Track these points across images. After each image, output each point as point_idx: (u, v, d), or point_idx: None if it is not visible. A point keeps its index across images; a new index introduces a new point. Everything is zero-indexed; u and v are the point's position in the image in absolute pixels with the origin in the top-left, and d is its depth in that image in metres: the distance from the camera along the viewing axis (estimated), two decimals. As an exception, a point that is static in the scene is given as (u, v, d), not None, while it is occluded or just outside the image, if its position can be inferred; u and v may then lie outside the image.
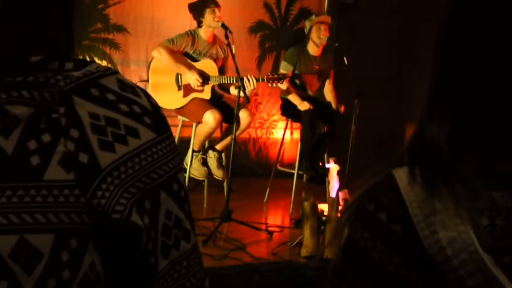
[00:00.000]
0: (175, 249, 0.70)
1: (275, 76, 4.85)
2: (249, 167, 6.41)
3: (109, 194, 0.65)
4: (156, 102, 0.72)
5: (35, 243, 0.61)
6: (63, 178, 0.63)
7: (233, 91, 4.71)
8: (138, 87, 0.72)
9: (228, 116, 4.62)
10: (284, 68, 5.34)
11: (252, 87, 4.59)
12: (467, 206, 0.67)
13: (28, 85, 0.64)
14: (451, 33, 0.74)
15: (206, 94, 4.76)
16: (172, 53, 4.65)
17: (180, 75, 4.72)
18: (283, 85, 5.10)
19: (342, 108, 5.34)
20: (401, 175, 0.73)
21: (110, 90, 0.68)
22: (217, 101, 4.82)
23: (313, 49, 5.42)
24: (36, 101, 0.64)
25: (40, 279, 0.61)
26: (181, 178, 0.72)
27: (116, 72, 0.71)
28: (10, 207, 0.61)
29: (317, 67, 5.41)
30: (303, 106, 5.18)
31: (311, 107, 5.16)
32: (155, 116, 0.70)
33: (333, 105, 5.45)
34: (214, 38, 4.90)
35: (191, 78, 4.66)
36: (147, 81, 4.78)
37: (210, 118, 4.54)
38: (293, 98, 5.26)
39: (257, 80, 4.61)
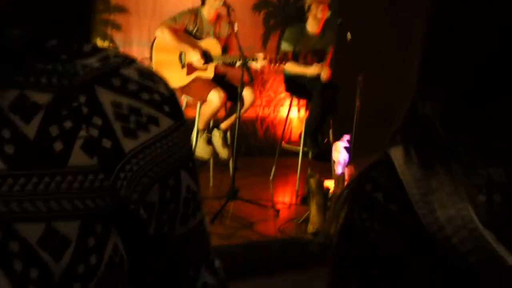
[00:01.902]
0: (193, 217, 0.75)
1: (278, 57, 4.81)
2: (257, 146, 6.42)
3: (131, 174, 0.67)
4: (172, 88, 0.75)
5: (63, 230, 0.62)
6: (87, 164, 0.64)
7: (239, 63, 4.70)
8: (155, 73, 0.74)
9: (232, 94, 4.61)
10: (285, 48, 5.29)
11: (260, 66, 4.61)
12: (464, 184, 0.67)
13: (47, 72, 0.65)
14: (441, 13, 0.73)
15: (210, 73, 4.74)
16: (175, 31, 4.63)
17: (184, 53, 4.70)
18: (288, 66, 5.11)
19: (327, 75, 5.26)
20: (396, 154, 0.73)
21: (131, 79, 0.69)
22: (221, 80, 4.80)
23: (312, 27, 5.36)
24: (55, 87, 0.64)
25: (69, 266, 0.62)
26: (194, 156, 0.77)
27: (134, 60, 0.73)
28: (37, 194, 0.61)
29: (316, 46, 5.36)
30: (313, 69, 5.15)
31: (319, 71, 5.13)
32: (173, 104, 0.73)
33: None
34: (218, 17, 4.86)
35: (194, 58, 4.64)
36: (149, 58, 4.76)
37: (215, 97, 4.54)
38: (300, 68, 5.23)
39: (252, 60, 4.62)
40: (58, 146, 0.62)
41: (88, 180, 0.64)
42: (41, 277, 0.60)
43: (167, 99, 0.72)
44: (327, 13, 5.24)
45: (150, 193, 0.69)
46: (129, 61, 0.72)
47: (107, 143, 0.65)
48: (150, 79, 0.72)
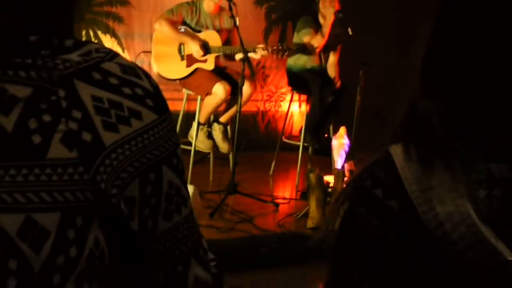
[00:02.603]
0: (177, 213, 0.75)
1: (279, 47, 4.79)
2: (257, 141, 6.41)
3: (111, 169, 0.67)
4: (156, 83, 0.74)
5: (42, 222, 0.62)
6: (66, 156, 0.64)
7: (239, 56, 4.68)
8: (139, 67, 0.74)
9: (232, 88, 4.61)
10: (307, 33, 5.20)
11: (260, 56, 4.60)
12: (463, 180, 0.67)
13: (26, 66, 0.65)
14: (449, 10, 0.73)
15: (210, 65, 4.71)
16: (173, 23, 4.62)
17: (183, 45, 4.69)
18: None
19: (338, 84, 5.28)
20: (397, 151, 0.73)
21: (113, 74, 0.69)
22: (221, 73, 4.79)
23: (322, 20, 5.33)
24: (33, 80, 0.64)
25: (49, 257, 0.62)
26: (179, 153, 0.76)
27: (117, 55, 0.72)
28: (15, 186, 0.62)
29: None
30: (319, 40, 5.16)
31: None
32: (156, 98, 0.72)
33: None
34: (219, 10, 4.84)
35: (193, 49, 4.63)
36: (150, 52, 4.75)
37: (220, 89, 4.51)
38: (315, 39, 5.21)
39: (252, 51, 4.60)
40: (37, 139, 0.63)
41: (68, 173, 0.64)
42: (20, 268, 0.60)
43: (151, 94, 0.72)
44: (335, 8, 5.18)
45: (129, 188, 0.69)
46: (112, 55, 0.71)
47: (87, 136, 0.65)
48: (133, 74, 0.71)
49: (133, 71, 0.72)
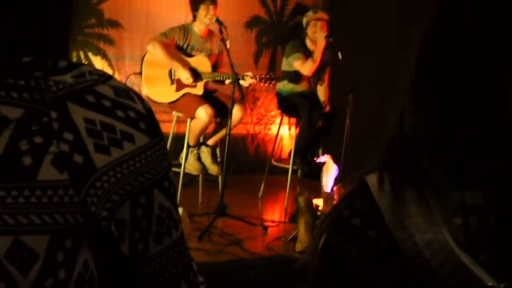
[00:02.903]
0: (168, 236, 0.74)
1: (268, 76, 4.82)
2: (247, 164, 6.41)
3: (102, 192, 0.66)
4: (149, 105, 0.74)
5: (31, 244, 0.61)
6: (56, 178, 0.63)
7: (228, 81, 4.72)
8: (132, 90, 0.73)
9: (220, 110, 4.64)
10: (298, 58, 5.25)
11: (248, 84, 4.64)
12: (439, 208, 0.67)
13: (18, 88, 0.65)
14: (439, 28, 0.73)
15: (199, 90, 4.75)
16: (166, 47, 4.64)
17: (174, 70, 4.72)
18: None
19: (327, 108, 5.33)
20: (372, 180, 0.73)
21: (106, 96, 0.69)
22: (210, 96, 4.81)
23: (310, 45, 5.38)
24: (26, 102, 0.64)
25: (37, 280, 0.61)
26: (171, 176, 0.75)
27: (110, 77, 0.72)
28: (4, 207, 0.61)
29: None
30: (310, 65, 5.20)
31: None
32: (149, 121, 0.72)
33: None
34: (209, 33, 4.88)
35: (182, 76, 4.66)
36: (140, 73, 4.77)
37: (203, 113, 4.56)
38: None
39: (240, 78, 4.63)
40: (27, 160, 0.62)
41: (58, 195, 0.63)
42: None
43: (143, 117, 0.72)
44: (324, 32, 5.23)
45: (120, 211, 0.68)
46: (105, 78, 0.71)
47: (78, 159, 0.65)
48: (126, 97, 0.71)
49: (127, 93, 0.72)
